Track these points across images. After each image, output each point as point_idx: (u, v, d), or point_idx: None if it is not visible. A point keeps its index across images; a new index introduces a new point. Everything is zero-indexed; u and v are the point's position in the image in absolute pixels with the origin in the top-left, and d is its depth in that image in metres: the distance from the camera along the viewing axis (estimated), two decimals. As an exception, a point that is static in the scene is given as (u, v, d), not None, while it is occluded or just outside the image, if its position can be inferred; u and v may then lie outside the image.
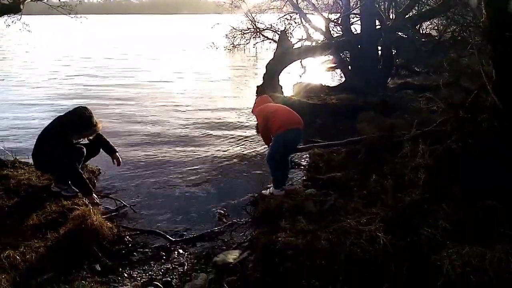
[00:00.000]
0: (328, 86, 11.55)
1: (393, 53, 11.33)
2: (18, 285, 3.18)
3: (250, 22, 15.74)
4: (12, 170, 5.27)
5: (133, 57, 22.69)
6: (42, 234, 3.81)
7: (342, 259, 3.01)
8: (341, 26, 12.78)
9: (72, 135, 4.74)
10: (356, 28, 12.22)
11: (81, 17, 8.70)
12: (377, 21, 10.90)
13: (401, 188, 4.07)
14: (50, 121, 4.95)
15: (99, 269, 3.52)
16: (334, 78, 14.43)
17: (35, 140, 4.83)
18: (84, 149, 4.84)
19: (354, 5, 12.24)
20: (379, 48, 11.04)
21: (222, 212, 4.65)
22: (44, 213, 4.27)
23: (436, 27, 13.68)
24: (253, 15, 15.76)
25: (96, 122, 4.91)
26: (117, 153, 5.32)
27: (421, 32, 13.89)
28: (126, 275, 3.51)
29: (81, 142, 5.01)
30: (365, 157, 5.53)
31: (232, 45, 16.62)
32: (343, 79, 12.34)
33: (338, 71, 14.32)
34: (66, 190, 4.77)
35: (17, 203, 4.45)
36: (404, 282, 2.80)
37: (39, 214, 4.22)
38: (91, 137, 5.14)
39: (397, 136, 5.89)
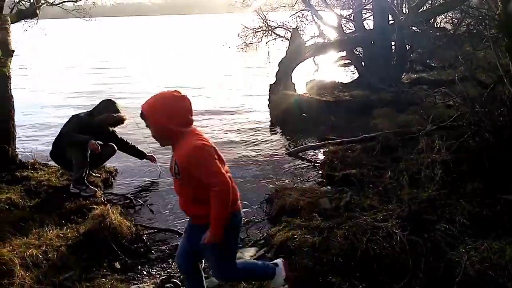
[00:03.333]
0: (342, 83, 11.50)
1: (407, 48, 11.20)
2: (42, 283, 3.27)
3: (262, 21, 15.76)
4: (32, 171, 5.39)
5: (142, 59, 22.90)
6: (63, 233, 3.90)
7: (359, 255, 3.02)
8: (353, 22, 12.70)
9: (96, 114, 5.01)
10: (369, 23, 12.11)
11: (95, 20, 8.83)
12: (390, 16, 10.79)
13: (417, 184, 4.06)
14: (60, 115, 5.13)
15: (119, 267, 3.60)
16: (347, 75, 14.33)
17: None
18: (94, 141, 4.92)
19: (366, 1, 12.14)
20: (393, 43, 10.92)
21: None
22: (64, 212, 4.38)
23: (450, 21, 13.48)
24: (265, 13, 15.77)
25: (120, 111, 5.12)
26: (147, 154, 5.69)
27: (435, 26, 13.70)
28: (145, 272, 3.58)
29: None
30: (380, 153, 5.50)
31: (245, 44, 16.66)
32: (357, 75, 12.26)
33: (351, 67, 14.23)
34: (85, 190, 4.87)
35: (38, 203, 4.56)
36: (421, 278, 2.79)
37: (59, 214, 4.33)
38: (115, 127, 5.26)
39: (412, 132, 5.85)
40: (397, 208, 3.55)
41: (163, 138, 2.51)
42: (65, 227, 4.03)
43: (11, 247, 3.53)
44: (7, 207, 4.36)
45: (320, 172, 5.68)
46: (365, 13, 12.49)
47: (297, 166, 6.05)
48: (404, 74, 11.32)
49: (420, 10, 10.38)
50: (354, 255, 3.03)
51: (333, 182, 5.01)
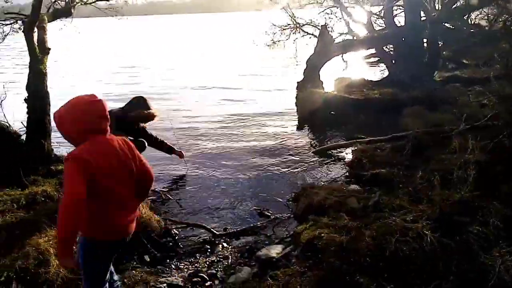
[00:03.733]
0: (371, 80, 11.30)
1: (440, 45, 10.89)
2: (75, 273, 3.38)
3: (290, 18, 15.67)
4: (67, 165, 5.57)
5: (171, 57, 23.25)
6: (95, 226, 4.02)
7: (387, 256, 2.98)
8: (383, 19, 12.45)
9: (128, 110, 5.15)
10: (400, 20, 11.86)
11: (127, 18, 9.02)
12: (422, 13, 10.52)
13: (449, 185, 3.95)
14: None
15: (148, 260, 3.69)
16: (376, 73, 14.08)
17: None
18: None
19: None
20: (425, 40, 10.64)
21: (261, 208, 4.70)
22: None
23: (486, 17, 13.00)
24: (293, 10, 15.67)
25: (151, 107, 5.24)
26: (176, 150, 5.85)
27: (469, 22, 13.24)
28: (173, 266, 3.66)
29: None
30: (410, 153, 5.38)
31: (272, 41, 16.61)
32: (387, 73, 12.02)
33: (381, 65, 13.97)
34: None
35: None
36: (452, 281, 2.72)
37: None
38: (146, 122, 5.39)
39: (444, 131, 5.69)
40: (428, 209, 3.48)
41: (69, 142, 2.32)
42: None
43: (46, 238, 3.68)
44: (43, 199, 4.54)
45: (348, 171, 5.62)
46: (396, 10, 12.22)
47: (324, 165, 6.01)
48: (436, 72, 11.02)
49: (454, 6, 10.08)
50: (383, 256, 2.99)
51: (361, 182, 4.95)
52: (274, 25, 16.15)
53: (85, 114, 2.22)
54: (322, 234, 3.50)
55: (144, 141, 5.52)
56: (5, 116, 5.43)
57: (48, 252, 3.44)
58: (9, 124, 5.31)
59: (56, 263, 3.34)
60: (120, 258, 3.63)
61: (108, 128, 2.37)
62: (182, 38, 39.76)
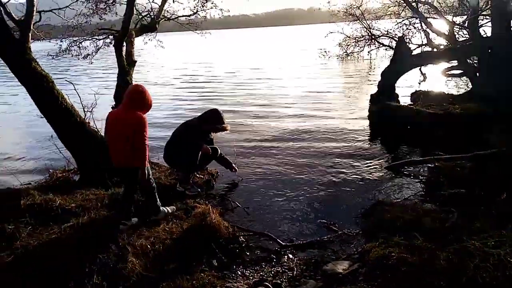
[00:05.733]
0: (452, 94, 10.64)
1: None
2: (149, 270, 3.60)
3: (365, 29, 15.35)
4: (146, 169, 5.97)
5: (247, 69, 23.88)
6: (168, 228, 4.25)
7: (463, 282, 2.77)
8: (467, 29, 11.69)
9: (206, 124, 5.58)
10: (486, 31, 11.05)
11: (205, 32, 9.50)
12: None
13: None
14: (178, 122, 5.59)
15: (216, 264, 3.81)
16: (458, 86, 13.23)
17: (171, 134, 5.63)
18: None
19: (484, 6, 11.09)
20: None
21: (329, 222, 4.62)
22: (170, 209, 4.76)
23: None
24: (368, 22, 15.34)
25: (225, 121, 5.67)
26: (233, 165, 6.06)
27: None
28: (239, 273, 3.73)
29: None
30: (495, 172, 4.97)
31: (345, 53, 16.38)
32: (470, 86, 11.24)
33: (464, 78, 13.09)
34: (189, 189, 5.27)
35: (149, 199, 5.03)
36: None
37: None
38: (218, 132, 5.79)
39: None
40: (513, 235, 3.18)
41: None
42: (170, 222, 4.38)
43: (125, 236, 3.96)
44: (123, 199, 4.90)
45: (423, 189, 5.34)
46: (482, 19, 11.41)
47: (397, 181, 5.76)
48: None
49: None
50: (459, 281, 2.78)
51: (437, 201, 4.67)
52: (348, 37, 15.94)
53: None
54: (393, 253, 3.35)
55: (217, 148, 5.87)
56: (94, 122, 5.97)
57: (126, 249, 3.71)
58: (97, 130, 5.83)
59: (133, 260, 3.60)
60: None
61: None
62: (257, 50, 40.73)
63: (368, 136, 8.28)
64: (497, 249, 3.01)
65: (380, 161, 6.71)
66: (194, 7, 8.57)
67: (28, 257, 3.59)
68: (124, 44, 6.19)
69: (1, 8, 4.97)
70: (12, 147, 8.67)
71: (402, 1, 12.76)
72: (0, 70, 25.13)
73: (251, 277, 3.65)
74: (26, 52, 5.05)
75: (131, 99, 4.00)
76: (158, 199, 4.46)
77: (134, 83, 4.26)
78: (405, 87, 11.57)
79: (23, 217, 4.24)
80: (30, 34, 5.26)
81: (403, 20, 14.42)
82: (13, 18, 5.32)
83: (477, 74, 10.67)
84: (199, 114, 5.82)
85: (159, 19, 7.65)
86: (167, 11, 8.30)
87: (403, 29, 14.16)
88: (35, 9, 5.49)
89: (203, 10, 8.73)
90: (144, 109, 4.07)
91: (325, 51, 16.82)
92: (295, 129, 8.92)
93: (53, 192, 4.87)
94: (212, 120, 5.62)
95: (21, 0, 5.68)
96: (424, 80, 13.41)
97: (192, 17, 8.84)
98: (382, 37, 15.20)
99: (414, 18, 13.51)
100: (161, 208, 4.49)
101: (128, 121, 3.93)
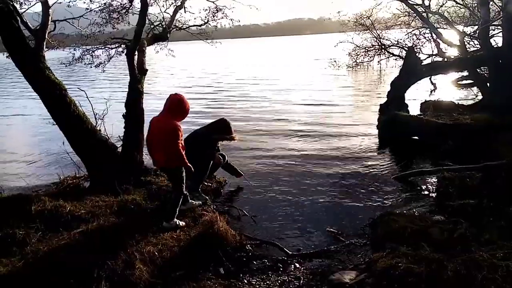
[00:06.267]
0: (462, 104, 10.57)
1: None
2: (156, 277, 3.63)
3: (375, 39, 15.40)
4: (154, 177, 6.04)
5: (252, 79, 24.01)
6: (176, 235, 4.28)
7: (472, 294, 2.75)
8: (478, 39, 11.64)
9: (215, 134, 5.69)
10: (497, 40, 11.00)
11: (216, 42, 9.57)
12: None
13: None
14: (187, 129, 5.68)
15: (223, 272, 3.82)
16: (469, 96, 13.15)
17: None
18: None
19: (495, 16, 11.05)
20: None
21: (336, 231, 4.61)
22: (178, 216, 4.79)
23: None
24: (378, 31, 15.39)
25: (234, 132, 5.78)
26: (239, 171, 6.22)
27: None
28: (245, 281, 3.73)
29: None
30: (505, 184, 4.91)
31: (355, 63, 16.42)
32: (480, 97, 11.16)
33: (474, 88, 13.02)
34: (197, 197, 5.30)
35: (158, 206, 5.09)
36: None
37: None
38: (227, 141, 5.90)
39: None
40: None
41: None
42: (178, 230, 4.41)
43: (134, 242, 4.00)
44: (132, 207, 4.96)
45: (432, 199, 5.30)
46: (493, 29, 11.36)
47: (406, 192, 5.73)
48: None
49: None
50: (467, 293, 2.76)
51: (446, 212, 4.63)
52: (358, 47, 15.99)
53: None
54: (400, 264, 3.33)
55: (225, 155, 5.96)
56: (105, 130, 6.07)
57: (134, 256, 3.74)
58: (108, 137, 5.91)
59: (141, 267, 3.63)
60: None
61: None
62: (266, 60, 40.96)
63: (377, 146, 8.26)
64: (506, 260, 2.98)
65: (388, 171, 6.68)
66: (205, 17, 8.65)
67: (38, 263, 3.64)
68: (136, 53, 6.29)
69: (18, 18, 5.11)
70: (23, 152, 8.83)
71: (412, 11, 12.77)
72: (14, 76, 25.63)
73: (258, 286, 3.65)
74: (40, 60, 5.18)
75: (169, 108, 4.42)
76: (177, 210, 4.59)
77: (174, 93, 4.59)
78: (415, 97, 11.53)
79: (34, 223, 4.32)
80: (44, 43, 5.39)
81: (413, 30, 14.46)
82: (29, 27, 5.46)
83: (488, 84, 10.60)
84: (208, 122, 5.90)
85: (171, 28, 7.76)
86: (179, 20, 8.40)
87: (413, 39, 14.19)
88: (50, 18, 5.64)
89: (214, 20, 8.81)
90: (181, 117, 4.48)
91: (334, 61, 16.90)
92: (303, 137, 8.95)
93: (63, 199, 4.94)
94: (221, 130, 5.72)
95: (37, 9, 5.83)
96: (434, 90, 13.37)
97: (203, 27, 8.93)
98: (392, 47, 15.24)
99: (424, 28, 13.52)
100: (175, 219, 4.56)
101: (164, 127, 4.36)
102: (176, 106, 4.42)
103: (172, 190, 4.78)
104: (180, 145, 4.39)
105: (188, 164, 4.49)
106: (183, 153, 4.42)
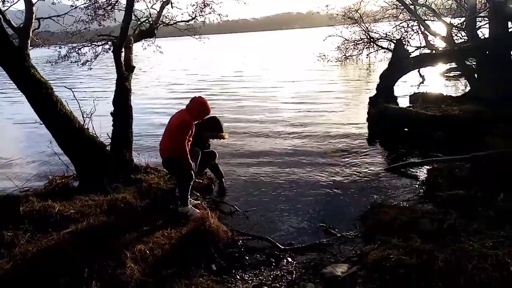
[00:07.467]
0: (450, 96, 10.69)
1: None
2: (147, 275, 3.60)
3: (363, 33, 15.43)
4: (144, 174, 6.00)
5: (242, 73, 23.94)
6: (167, 233, 4.26)
7: (461, 283, 2.77)
8: (465, 31, 11.74)
9: (206, 131, 5.69)
10: (484, 32, 11.10)
11: (204, 37, 9.50)
12: (510, 23, 9.74)
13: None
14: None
15: (215, 268, 3.80)
16: (457, 88, 13.27)
17: None
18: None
19: (482, 7, 11.14)
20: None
21: (328, 225, 4.62)
22: (169, 213, 4.77)
23: None
24: (367, 25, 15.42)
25: (223, 130, 5.81)
26: (223, 179, 6.08)
27: None
28: (238, 277, 3.72)
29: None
30: (493, 174, 4.97)
31: (344, 56, 16.45)
32: (468, 88, 11.27)
33: (462, 80, 13.14)
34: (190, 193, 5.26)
35: (148, 204, 5.06)
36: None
37: (165, 214, 4.73)
38: (217, 139, 5.91)
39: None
40: (511, 235, 3.18)
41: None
42: (169, 227, 4.38)
43: (124, 241, 3.97)
44: (122, 205, 4.92)
45: (422, 190, 5.34)
46: (480, 21, 11.46)
47: (396, 183, 5.76)
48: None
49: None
50: (456, 282, 2.79)
51: (436, 202, 4.67)
52: (347, 40, 16.01)
53: None
54: (391, 256, 3.36)
55: (215, 152, 5.94)
56: (93, 128, 5.99)
57: (125, 255, 3.71)
58: (96, 135, 5.84)
59: (132, 265, 3.59)
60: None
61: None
62: (253, 54, 40.84)
63: (367, 139, 8.30)
64: (495, 249, 3.01)
65: (378, 163, 6.72)
66: (193, 13, 8.57)
67: (27, 264, 3.59)
68: (123, 50, 6.21)
69: (0, 16, 5.00)
70: (11, 153, 8.69)
71: (400, 4, 12.82)
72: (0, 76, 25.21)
73: (250, 281, 3.65)
74: (25, 58, 5.07)
75: (190, 107, 4.83)
76: (189, 194, 4.86)
77: (198, 96, 5.02)
78: (404, 89, 11.60)
79: (22, 224, 4.25)
80: (29, 41, 5.29)
81: (401, 23, 14.52)
82: (12, 25, 5.35)
83: (475, 75, 10.71)
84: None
85: (158, 24, 7.67)
86: (166, 16, 8.30)
87: (401, 31, 14.25)
88: (34, 16, 5.53)
89: (202, 15, 8.74)
90: (198, 117, 4.88)
91: (323, 55, 16.91)
92: (293, 132, 8.93)
93: (52, 199, 4.88)
94: (211, 127, 5.71)
95: (20, 7, 5.71)
96: (422, 82, 13.47)
97: (190, 22, 8.85)
98: (380, 40, 15.28)
99: (412, 21, 13.59)
100: (189, 205, 4.82)
101: (178, 120, 4.73)
102: (197, 107, 4.80)
103: (177, 182, 5.09)
104: (186, 140, 4.68)
105: (190, 161, 4.73)
106: (187, 149, 4.69)
